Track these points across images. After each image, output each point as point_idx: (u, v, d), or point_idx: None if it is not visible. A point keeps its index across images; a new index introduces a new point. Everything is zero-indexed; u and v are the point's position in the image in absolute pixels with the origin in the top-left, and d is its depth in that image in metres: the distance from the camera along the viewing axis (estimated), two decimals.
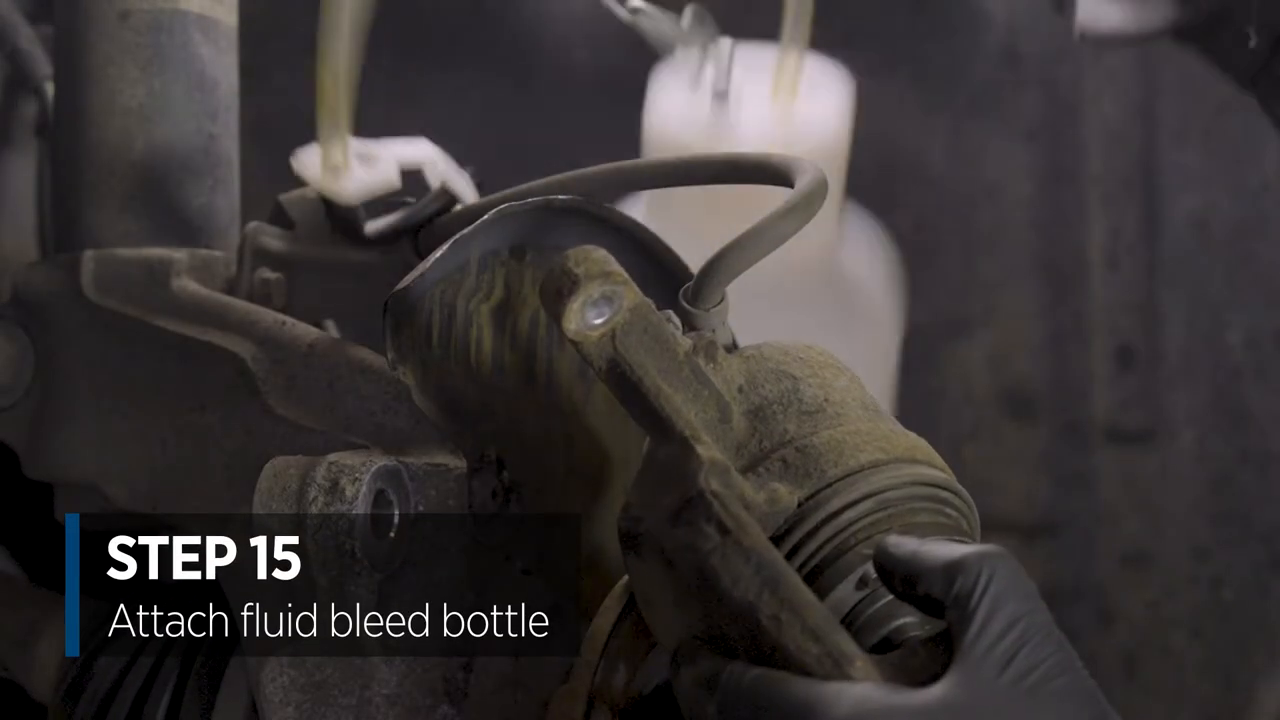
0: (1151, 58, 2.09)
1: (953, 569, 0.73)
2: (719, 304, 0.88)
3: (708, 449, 0.78)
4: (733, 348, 0.89)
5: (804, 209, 0.89)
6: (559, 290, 0.81)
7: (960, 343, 2.16)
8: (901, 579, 0.75)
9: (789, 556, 0.79)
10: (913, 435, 0.85)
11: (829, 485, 0.80)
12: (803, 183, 0.90)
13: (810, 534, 0.80)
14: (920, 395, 2.12)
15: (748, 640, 0.74)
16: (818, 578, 0.79)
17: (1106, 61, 2.11)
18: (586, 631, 0.86)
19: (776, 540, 0.79)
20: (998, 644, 0.71)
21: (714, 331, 0.88)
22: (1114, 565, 2.11)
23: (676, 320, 0.85)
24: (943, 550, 0.74)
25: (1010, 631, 0.71)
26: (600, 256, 0.82)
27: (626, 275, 0.82)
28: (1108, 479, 2.13)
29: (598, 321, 0.81)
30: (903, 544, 0.76)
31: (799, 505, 0.80)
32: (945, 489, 0.83)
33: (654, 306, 0.82)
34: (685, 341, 0.84)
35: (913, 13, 2.20)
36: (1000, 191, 2.16)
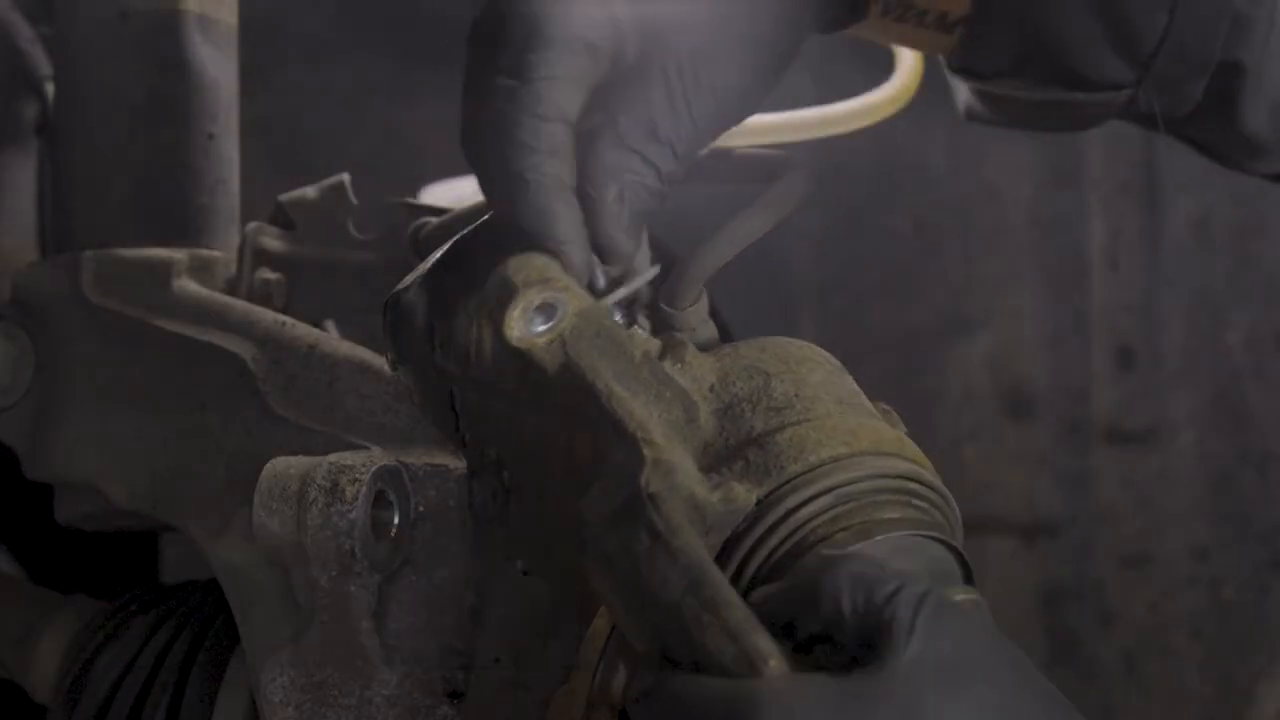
0: None
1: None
2: (696, 302, 0.88)
3: (656, 450, 0.77)
4: (716, 344, 0.88)
5: (776, 205, 0.89)
6: (498, 299, 0.81)
7: (960, 343, 2.16)
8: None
9: (748, 555, 0.79)
10: (885, 427, 0.85)
11: (788, 482, 0.80)
12: (782, 179, 0.90)
13: (769, 531, 0.79)
14: (920, 395, 2.12)
15: (682, 643, 0.74)
16: (780, 575, 0.79)
17: None
18: (586, 632, 0.86)
19: (735, 539, 0.79)
20: (942, 630, 0.70)
21: (694, 330, 0.88)
22: (1114, 565, 2.11)
23: (643, 321, 0.84)
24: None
25: (954, 621, 0.71)
26: (540, 264, 0.81)
27: (569, 280, 0.81)
28: (1108, 479, 2.13)
29: (542, 329, 0.80)
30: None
31: (758, 503, 0.79)
32: (914, 480, 0.83)
33: (604, 309, 0.82)
34: (652, 342, 0.83)
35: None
36: (1000, 191, 2.16)
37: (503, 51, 0.85)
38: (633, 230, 0.87)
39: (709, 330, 0.89)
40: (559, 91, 0.85)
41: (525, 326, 0.80)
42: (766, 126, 1.15)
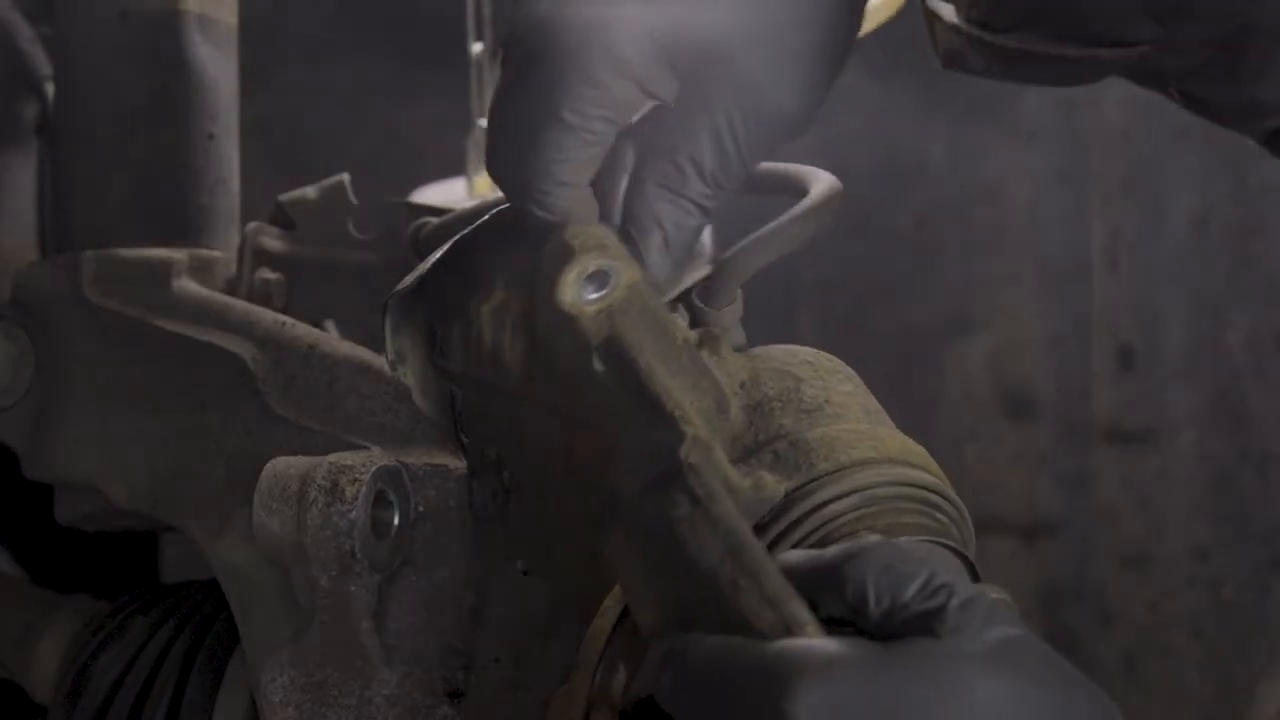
0: None
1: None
2: (731, 304, 0.89)
3: (695, 428, 0.77)
4: (745, 348, 0.89)
5: (819, 212, 0.90)
6: (554, 263, 0.80)
7: (960, 343, 2.16)
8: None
9: (772, 545, 0.79)
10: (911, 440, 0.86)
11: (817, 478, 0.80)
12: (818, 188, 0.91)
13: (794, 524, 0.80)
14: (920, 395, 2.12)
15: (713, 611, 0.73)
16: None
17: None
18: (586, 632, 0.86)
19: (760, 528, 0.79)
20: (972, 619, 0.69)
21: (726, 331, 0.88)
22: (1114, 565, 2.11)
23: (684, 314, 0.85)
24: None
25: (986, 613, 0.70)
26: (599, 232, 0.81)
27: (625, 252, 0.81)
28: (1108, 479, 2.13)
29: (593, 297, 0.80)
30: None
31: (786, 496, 0.80)
32: (935, 493, 0.83)
33: (654, 290, 0.82)
34: (689, 332, 0.84)
35: (914, 13, 2.20)
36: (1000, 191, 2.16)
37: (541, 73, 0.83)
38: (678, 265, 0.86)
39: (739, 334, 0.90)
40: (598, 120, 0.83)
41: (578, 292, 0.80)
42: None
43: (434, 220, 1.16)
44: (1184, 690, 2.08)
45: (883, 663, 0.68)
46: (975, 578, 0.84)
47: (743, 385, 0.84)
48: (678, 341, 0.82)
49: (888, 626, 0.70)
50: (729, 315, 0.89)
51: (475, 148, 1.62)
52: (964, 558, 0.83)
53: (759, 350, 0.88)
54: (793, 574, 0.73)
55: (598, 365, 0.81)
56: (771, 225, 0.89)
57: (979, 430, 2.14)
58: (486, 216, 0.92)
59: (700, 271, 0.89)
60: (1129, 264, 2.12)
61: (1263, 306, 2.08)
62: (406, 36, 2.07)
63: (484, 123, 1.62)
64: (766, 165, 0.96)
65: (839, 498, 0.80)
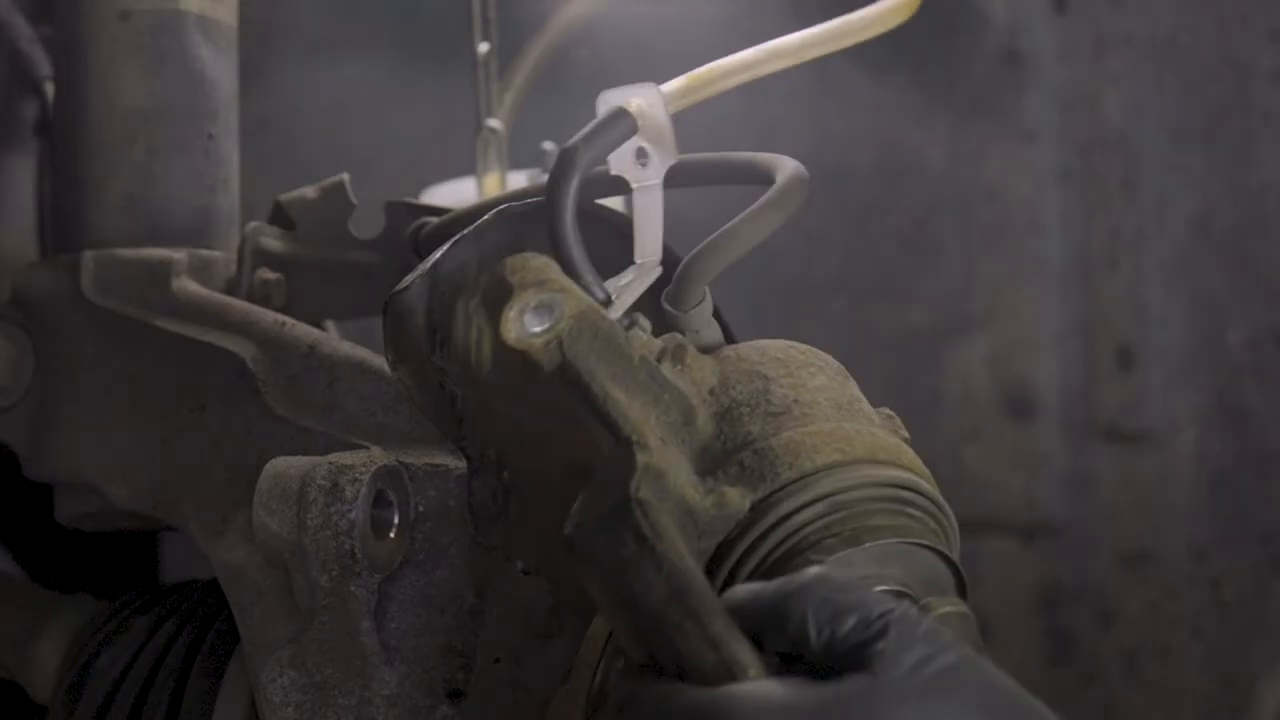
0: (1152, 58, 2.09)
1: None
2: (699, 304, 0.88)
3: (649, 454, 0.77)
4: (720, 346, 0.88)
5: (780, 206, 0.88)
6: (495, 299, 0.80)
7: (960, 343, 2.16)
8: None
9: (740, 560, 0.79)
10: (882, 434, 0.85)
11: (782, 488, 0.80)
12: (780, 179, 0.90)
13: (761, 538, 0.79)
14: (920, 395, 2.12)
15: (666, 650, 0.73)
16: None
17: (1107, 61, 2.11)
18: (586, 632, 0.86)
19: (728, 544, 0.79)
20: (909, 649, 0.70)
21: (697, 332, 0.88)
22: (1114, 565, 2.11)
23: (645, 323, 0.84)
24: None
25: (923, 640, 0.70)
26: (538, 264, 0.81)
27: (566, 282, 0.81)
28: (1108, 479, 2.13)
29: (538, 329, 0.80)
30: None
31: (751, 508, 0.79)
32: (909, 489, 0.83)
33: (602, 311, 0.82)
34: (652, 344, 0.83)
35: (915, 13, 2.20)
36: (1000, 191, 2.16)
37: None
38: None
39: (713, 332, 0.89)
40: None
41: (521, 327, 0.80)
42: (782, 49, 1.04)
43: (434, 220, 1.16)
44: (1184, 690, 2.08)
45: (817, 706, 0.69)
46: (957, 573, 0.83)
47: (712, 391, 0.83)
48: (634, 361, 0.81)
49: (828, 660, 0.71)
50: (698, 316, 0.88)
51: (483, 147, 1.62)
52: (940, 553, 0.83)
53: (730, 350, 0.87)
54: (738, 611, 0.74)
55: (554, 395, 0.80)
56: (734, 221, 0.88)
57: (979, 430, 2.14)
58: (486, 217, 0.93)
59: (650, 276, 0.88)
60: (1129, 264, 2.12)
61: (1263, 306, 2.08)
62: (406, 36, 2.07)
63: (492, 122, 1.62)
64: (731, 155, 0.95)
65: (804, 507, 0.80)
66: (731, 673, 0.71)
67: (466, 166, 1.64)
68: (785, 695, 0.69)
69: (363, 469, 0.90)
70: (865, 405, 0.87)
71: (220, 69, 1.19)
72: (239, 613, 0.95)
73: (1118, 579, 2.10)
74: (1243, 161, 2.05)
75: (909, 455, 0.84)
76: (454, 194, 1.64)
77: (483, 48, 1.64)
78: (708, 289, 0.89)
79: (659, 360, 0.82)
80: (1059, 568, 2.11)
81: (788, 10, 1.77)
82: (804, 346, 0.88)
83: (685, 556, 0.75)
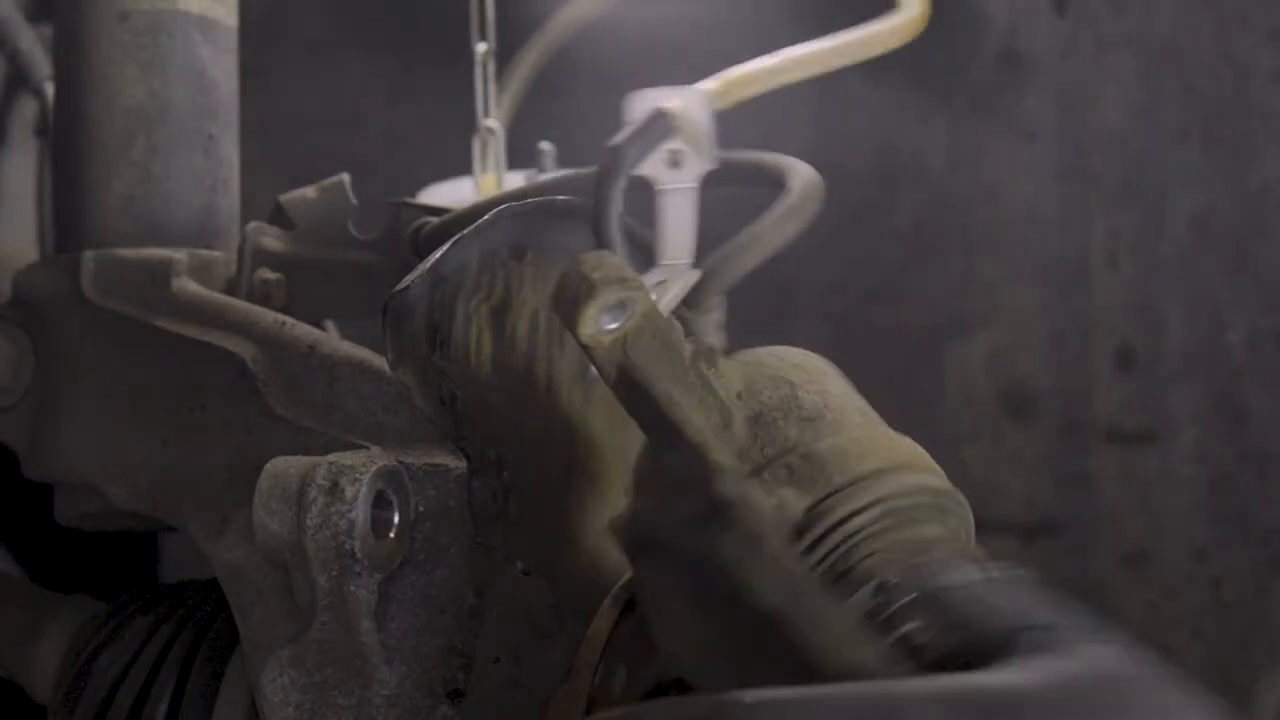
0: (1151, 58, 2.09)
1: None
2: (713, 311, 0.88)
3: (722, 455, 0.77)
4: (725, 352, 0.88)
5: (801, 211, 0.89)
6: (575, 296, 0.80)
7: (960, 343, 2.16)
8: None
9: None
10: (910, 442, 0.85)
11: (836, 492, 0.80)
12: (796, 184, 0.90)
13: (818, 541, 0.80)
14: (920, 395, 2.12)
15: (774, 654, 0.73)
16: (831, 585, 0.79)
17: (1107, 61, 2.11)
18: (586, 632, 0.86)
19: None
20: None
21: (707, 335, 0.88)
22: (1114, 565, 2.11)
23: (678, 325, 0.85)
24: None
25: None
26: (615, 262, 0.81)
27: (641, 281, 0.81)
28: (1108, 479, 2.13)
29: (611, 327, 0.80)
30: None
31: (806, 512, 0.80)
32: (945, 495, 0.83)
33: (663, 312, 0.82)
34: (689, 345, 0.84)
35: None
36: (1000, 191, 2.16)
37: None
38: None
39: (720, 339, 0.89)
40: None
41: (597, 324, 0.80)
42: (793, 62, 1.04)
43: (434, 220, 1.16)
44: None
45: (982, 692, 0.65)
46: None
47: (739, 395, 0.84)
48: (686, 361, 0.81)
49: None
50: (710, 321, 0.88)
51: (481, 147, 1.62)
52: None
53: (747, 355, 0.87)
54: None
55: (615, 391, 0.80)
56: (753, 228, 0.88)
57: (979, 430, 2.14)
58: (486, 217, 0.93)
59: (690, 278, 0.88)
60: (1129, 264, 2.12)
61: (1263, 306, 2.08)
62: (406, 36, 2.07)
63: (490, 122, 1.63)
64: (741, 155, 0.95)
65: (859, 511, 0.80)
66: (865, 671, 0.70)
67: (463, 167, 1.64)
68: (937, 686, 0.66)
69: (363, 469, 0.90)
70: (877, 415, 0.88)
71: (220, 69, 1.19)
72: (239, 613, 0.95)
73: (1118, 579, 2.10)
74: (1243, 161, 2.05)
75: (934, 462, 0.85)
76: (452, 194, 1.64)
77: (480, 48, 1.65)
78: (722, 296, 0.89)
79: (695, 359, 0.83)
80: (1059, 568, 2.11)
81: (789, 10, 1.77)
82: (815, 355, 0.89)
83: (794, 559, 0.74)
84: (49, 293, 1.11)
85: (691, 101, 0.89)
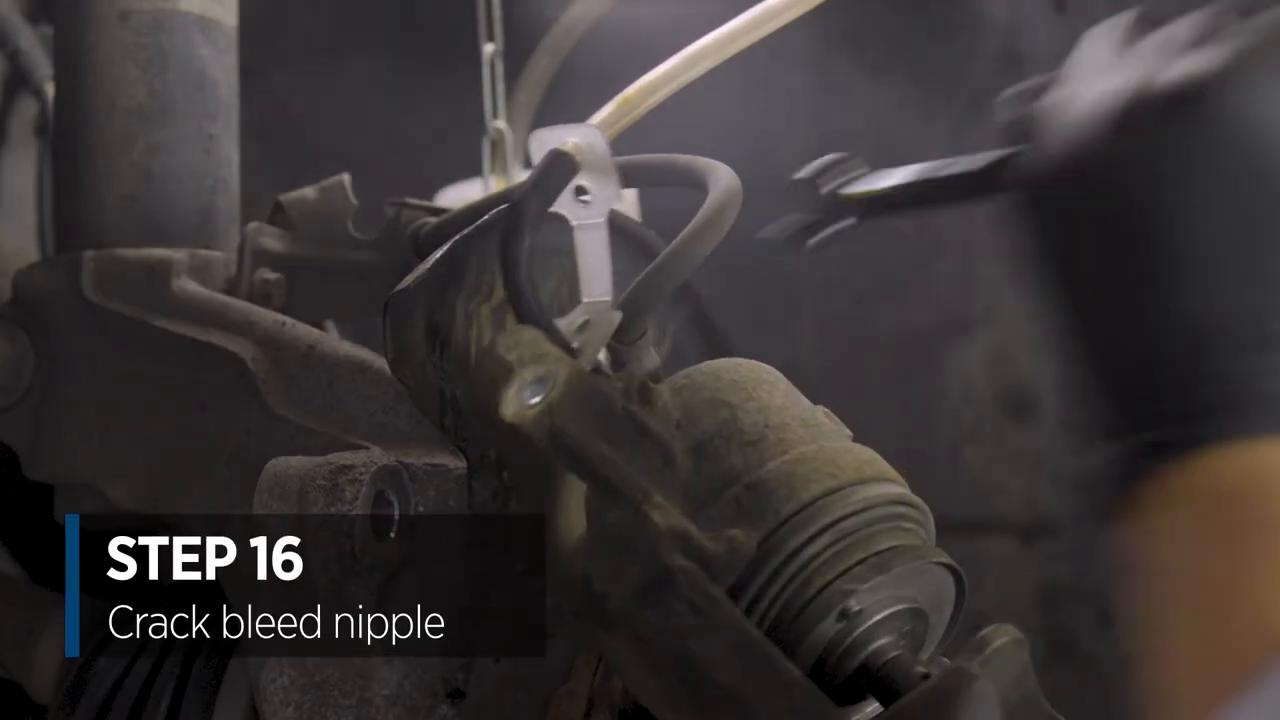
0: None
1: None
2: (641, 335, 0.87)
3: (664, 514, 0.76)
4: (656, 375, 0.88)
5: (715, 225, 0.87)
6: (493, 379, 0.80)
7: (960, 343, 2.16)
8: None
9: (754, 600, 0.79)
10: (858, 448, 0.84)
11: (784, 523, 0.79)
12: (713, 192, 0.88)
13: (773, 576, 0.79)
14: (920, 395, 2.12)
15: (734, 715, 0.73)
16: (796, 618, 0.78)
17: None
18: None
19: (740, 586, 0.78)
20: None
21: (640, 361, 0.87)
22: (1114, 565, 2.11)
23: (606, 369, 0.84)
24: None
25: None
26: (530, 338, 0.80)
27: (560, 351, 0.80)
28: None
29: (534, 401, 0.79)
30: None
31: (758, 547, 0.79)
32: (900, 503, 0.83)
33: (583, 368, 0.81)
34: (617, 386, 0.82)
35: (913, 13, 2.20)
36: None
37: None
38: None
39: (652, 360, 0.88)
40: None
41: (519, 402, 0.79)
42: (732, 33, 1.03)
43: (434, 220, 1.16)
44: None
45: None
46: (959, 579, 0.83)
47: (678, 425, 0.83)
48: (618, 411, 0.80)
49: None
50: (641, 347, 0.88)
51: (490, 148, 1.62)
52: (945, 565, 0.83)
53: (681, 378, 0.85)
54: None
55: (551, 459, 0.80)
56: (669, 250, 0.87)
57: (979, 430, 2.14)
58: (486, 217, 0.93)
59: (613, 319, 0.87)
60: None
61: None
62: (407, 36, 2.07)
63: (498, 123, 1.62)
64: (664, 157, 0.94)
65: (811, 539, 0.80)
66: None
67: (463, 166, 1.64)
68: None
69: (363, 469, 0.90)
70: (819, 414, 0.87)
71: (220, 69, 1.19)
72: (239, 613, 0.95)
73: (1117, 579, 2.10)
74: None
75: (883, 464, 0.84)
76: (465, 196, 1.64)
77: (487, 48, 1.65)
78: (650, 321, 0.88)
79: (627, 404, 0.82)
80: (1059, 568, 2.11)
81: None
82: (748, 363, 0.87)
83: (747, 625, 0.74)
84: (49, 293, 1.11)
85: (588, 136, 0.88)
